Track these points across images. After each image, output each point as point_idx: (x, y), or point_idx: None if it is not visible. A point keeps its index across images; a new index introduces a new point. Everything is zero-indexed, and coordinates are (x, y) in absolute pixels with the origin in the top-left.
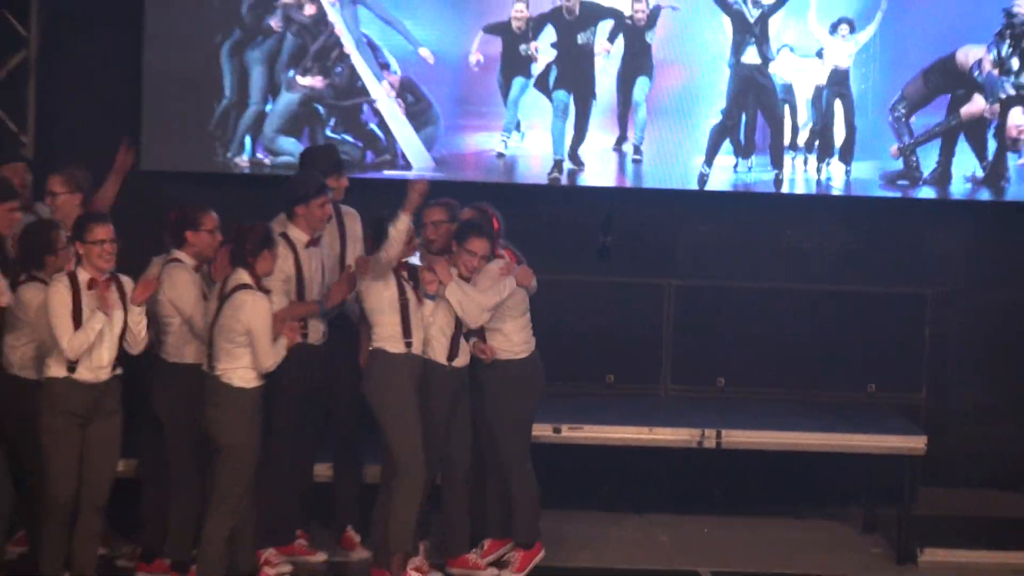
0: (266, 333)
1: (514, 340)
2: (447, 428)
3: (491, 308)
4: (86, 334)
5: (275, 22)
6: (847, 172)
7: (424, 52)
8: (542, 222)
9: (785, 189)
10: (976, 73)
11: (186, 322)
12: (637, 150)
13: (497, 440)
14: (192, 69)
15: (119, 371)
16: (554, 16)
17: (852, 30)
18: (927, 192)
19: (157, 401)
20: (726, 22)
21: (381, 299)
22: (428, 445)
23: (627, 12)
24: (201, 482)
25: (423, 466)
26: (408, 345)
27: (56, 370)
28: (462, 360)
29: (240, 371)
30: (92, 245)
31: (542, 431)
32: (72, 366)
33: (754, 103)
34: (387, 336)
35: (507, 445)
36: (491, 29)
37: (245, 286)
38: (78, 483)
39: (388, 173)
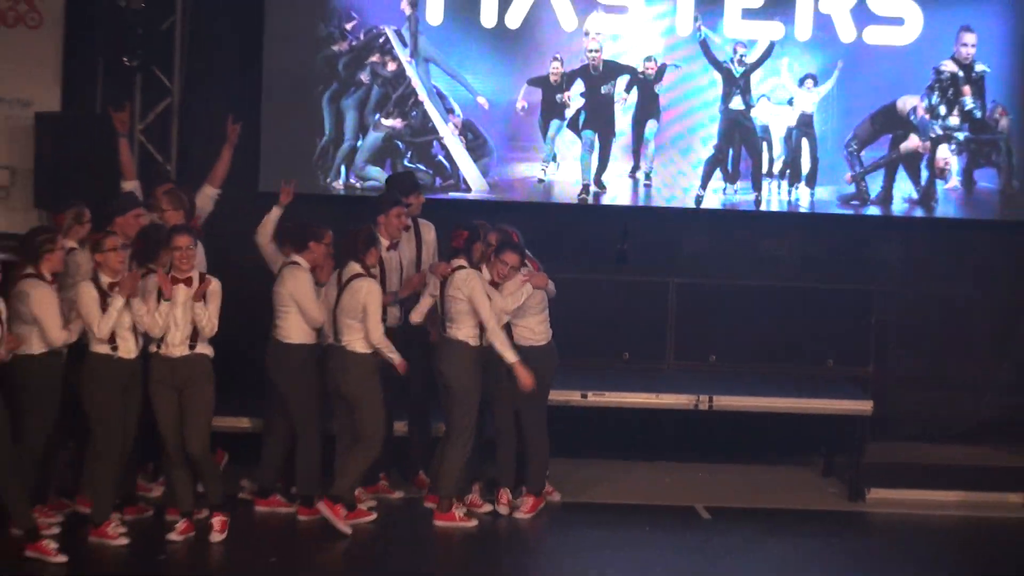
0: (377, 311)
1: (535, 331)
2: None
3: (509, 311)
4: (110, 317)
5: (364, 76)
6: (811, 194)
7: (481, 100)
8: (573, 233)
9: (763, 208)
10: (912, 117)
11: (301, 311)
12: (647, 177)
13: (520, 410)
14: (300, 113)
15: (200, 350)
16: (583, 72)
17: (815, 84)
18: (873, 210)
19: (273, 373)
20: (717, 77)
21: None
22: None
23: (640, 68)
24: (322, 432)
25: (474, 430)
26: (481, 341)
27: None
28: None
29: (359, 341)
30: (174, 251)
31: (572, 396)
32: (157, 343)
33: (739, 140)
34: (471, 335)
35: (528, 414)
36: (533, 82)
37: (359, 275)
38: (179, 436)
39: (452, 195)
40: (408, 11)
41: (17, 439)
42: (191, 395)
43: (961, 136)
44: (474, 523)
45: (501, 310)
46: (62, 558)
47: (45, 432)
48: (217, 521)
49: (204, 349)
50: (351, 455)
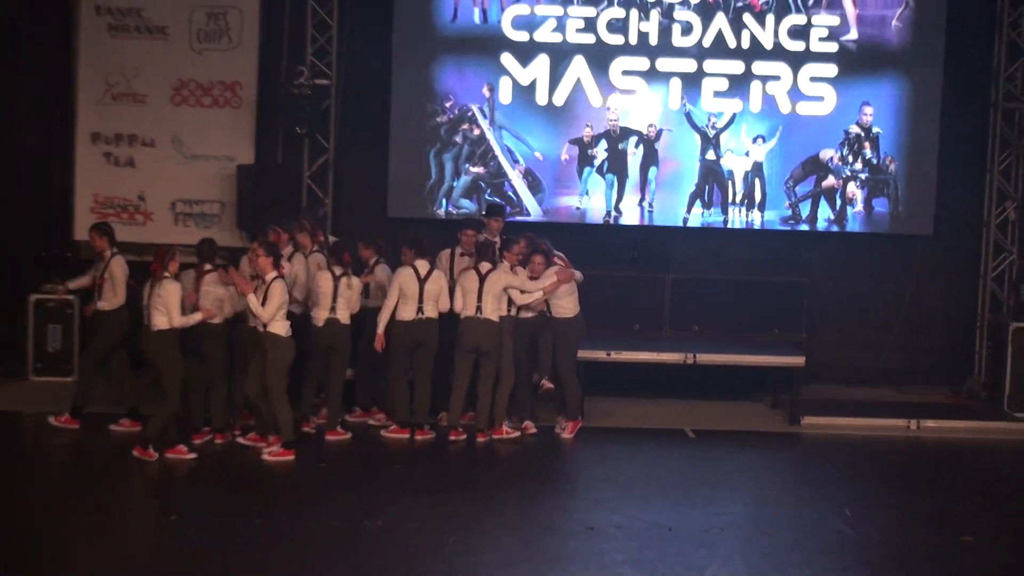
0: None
1: (567, 307)
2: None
3: (541, 297)
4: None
5: (458, 138)
6: (762, 216)
7: (537, 154)
8: (599, 244)
9: (729, 226)
10: (830, 164)
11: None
12: (650, 205)
13: (558, 363)
14: (415, 162)
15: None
16: (606, 133)
17: (764, 141)
18: (804, 227)
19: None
20: (697, 137)
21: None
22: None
23: (644, 132)
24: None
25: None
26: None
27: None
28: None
29: (499, 311)
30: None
31: (599, 355)
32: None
33: (712, 180)
34: (570, 308)
35: (563, 365)
36: (573, 141)
37: (492, 270)
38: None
39: (518, 218)
40: (487, 94)
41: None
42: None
43: (863, 176)
44: (517, 434)
45: (526, 297)
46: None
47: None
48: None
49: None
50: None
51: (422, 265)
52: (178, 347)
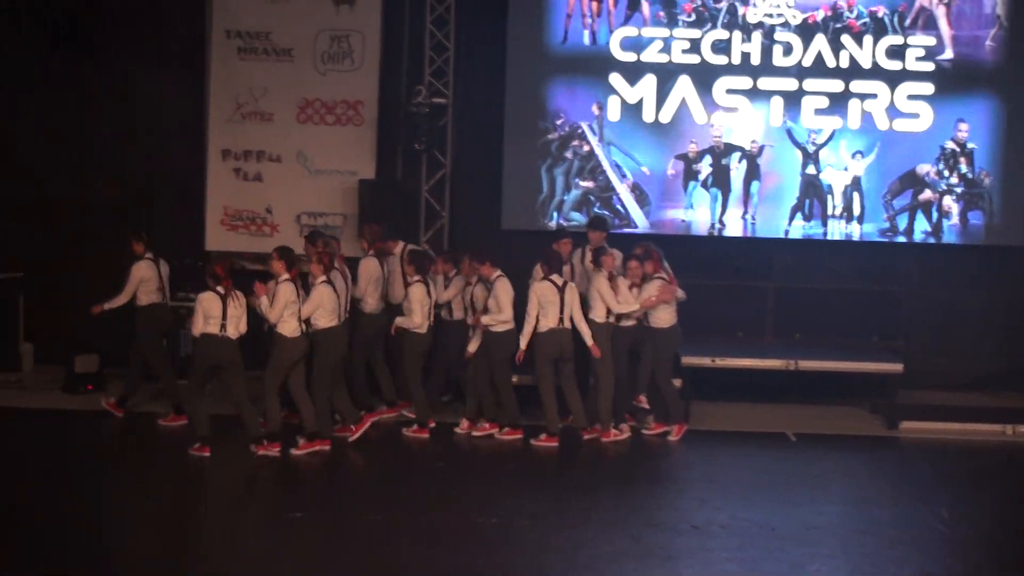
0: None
1: (664, 318)
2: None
3: (639, 310)
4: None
5: (568, 154)
6: (860, 229)
7: (644, 169)
8: (704, 255)
9: (828, 238)
10: (926, 178)
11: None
12: (752, 218)
13: (655, 371)
14: (527, 177)
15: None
16: (710, 149)
17: (862, 156)
18: (901, 239)
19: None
20: (797, 153)
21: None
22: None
23: (747, 147)
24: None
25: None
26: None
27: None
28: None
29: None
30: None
31: (704, 361)
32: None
33: (812, 194)
34: (666, 319)
35: (661, 373)
36: (678, 157)
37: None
38: None
39: (626, 230)
40: (597, 112)
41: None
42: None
43: (959, 190)
44: (627, 435)
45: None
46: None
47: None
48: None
49: None
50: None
51: (557, 278)
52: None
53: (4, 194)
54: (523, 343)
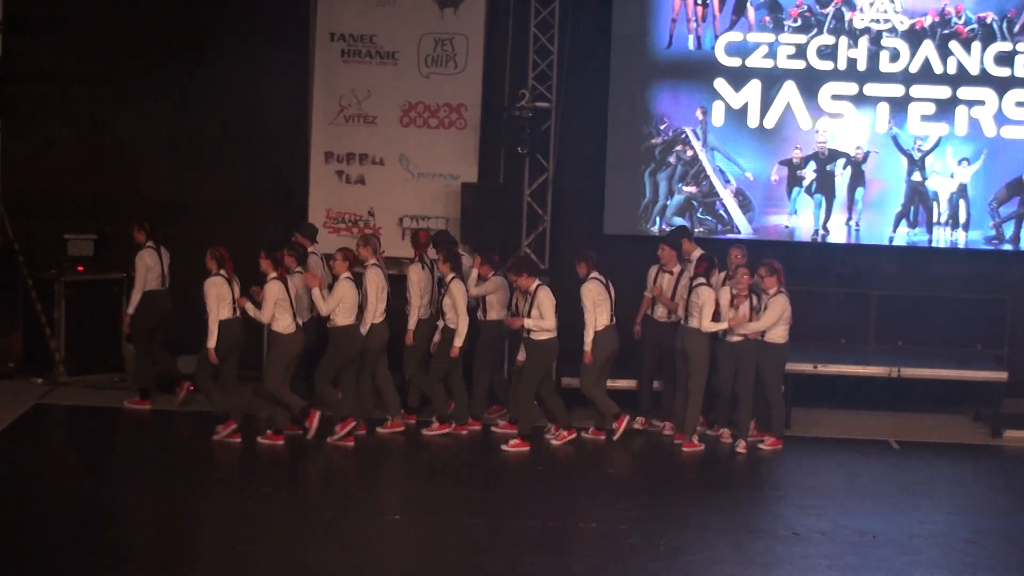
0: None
1: (780, 334)
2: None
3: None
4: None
5: (672, 159)
6: (966, 236)
7: (748, 174)
8: (807, 261)
9: (933, 245)
10: None
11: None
12: (856, 224)
13: (766, 384)
14: (631, 182)
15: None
16: (815, 155)
17: (969, 163)
18: (1007, 247)
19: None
20: (903, 160)
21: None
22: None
23: (852, 153)
24: None
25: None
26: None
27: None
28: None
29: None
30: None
31: (806, 367)
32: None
33: (918, 201)
34: (781, 335)
35: (772, 386)
36: (782, 162)
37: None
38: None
39: (728, 235)
40: (700, 117)
41: None
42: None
43: None
44: (702, 446)
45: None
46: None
47: None
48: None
49: None
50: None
51: (601, 276)
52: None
53: (111, 197)
54: (588, 344)
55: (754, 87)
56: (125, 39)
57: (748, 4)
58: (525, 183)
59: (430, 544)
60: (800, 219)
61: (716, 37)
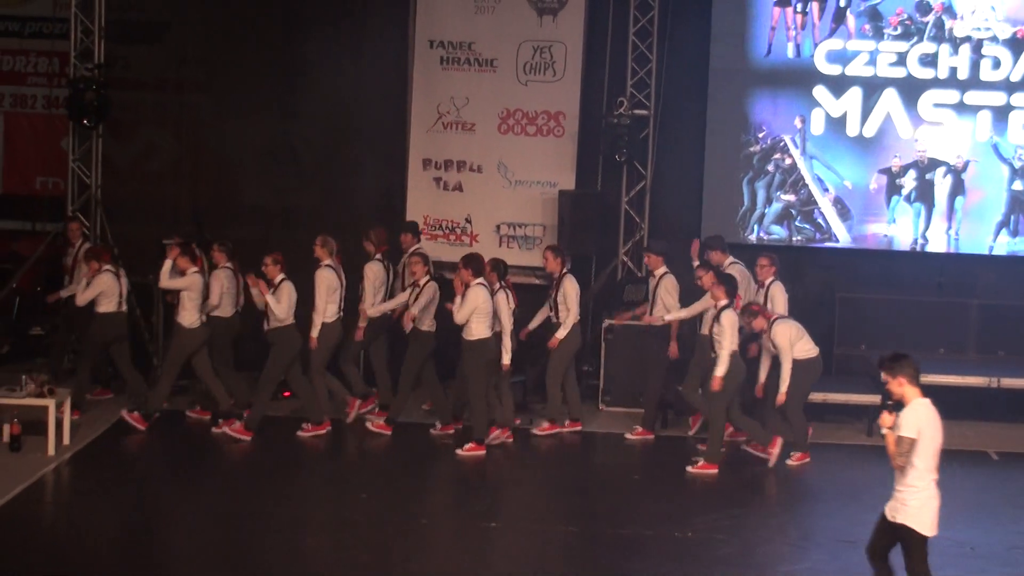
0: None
1: (806, 350)
2: None
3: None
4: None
5: (770, 167)
6: None
7: (847, 183)
8: (906, 271)
9: None
10: None
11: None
12: (956, 233)
13: (788, 399)
14: (729, 189)
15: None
16: (914, 164)
17: None
18: None
19: None
20: (1004, 168)
21: (796, 336)
22: None
23: (952, 162)
24: None
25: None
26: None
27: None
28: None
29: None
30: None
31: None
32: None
33: (1019, 209)
34: (805, 350)
35: (792, 402)
36: (881, 171)
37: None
38: None
39: (827, 244)
40: (799, 125)
41: None
42: None
43: None
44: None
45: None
46: None
47: None
48: None
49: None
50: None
51: None
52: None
53: (214, 202)
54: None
55: (854, 95)
56: (225, 46)
57: (848, 12)
58: (623, 190)
59: (527, 551)
60: (899, 228)
61: (816, 45)
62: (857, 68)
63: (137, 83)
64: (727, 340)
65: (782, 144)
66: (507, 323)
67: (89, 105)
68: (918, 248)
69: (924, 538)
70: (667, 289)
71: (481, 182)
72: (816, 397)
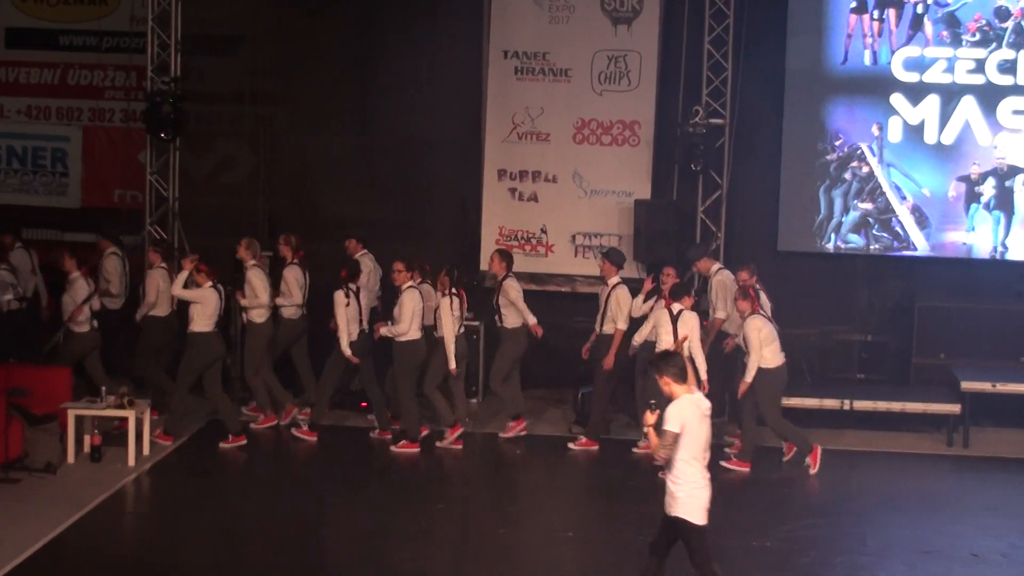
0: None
1: (768, 359)
2: None
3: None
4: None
5: (847, 175)
6: None
7: (925, 191)
8: (986, 278)
9: None
10: None
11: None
12: None
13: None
14: (805, 198)
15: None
16: (993, 171)
17: None
18: None
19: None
20: None
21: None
22: None
23: None
24: None
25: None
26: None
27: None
28: None
29: None
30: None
31: (983, 387)
32: None
33: None
34: (768, 359)
35: (766, 413)
36: (960, 178)
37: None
38: None
39: (905, 252)
40: (876, 132)
41: None
42: None
43: None
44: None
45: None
46: None
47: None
48: None
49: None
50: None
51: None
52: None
53: (290, 213)
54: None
55: (932, 102)
56: (300, 59)
57: (925, 19)
58: (698, 200)
59: (602, 560)
60: (978, 235)
61: (892, 52)
62: (935, 75)
63: (213, 96)
64: (752, 349)
65: (859, 152)
66: (449, 328)
67: (166, 118)
68: (997, 256)
69: (697, 528)
70: (618, 300)
71: (556, 192)
72: (894, 407)
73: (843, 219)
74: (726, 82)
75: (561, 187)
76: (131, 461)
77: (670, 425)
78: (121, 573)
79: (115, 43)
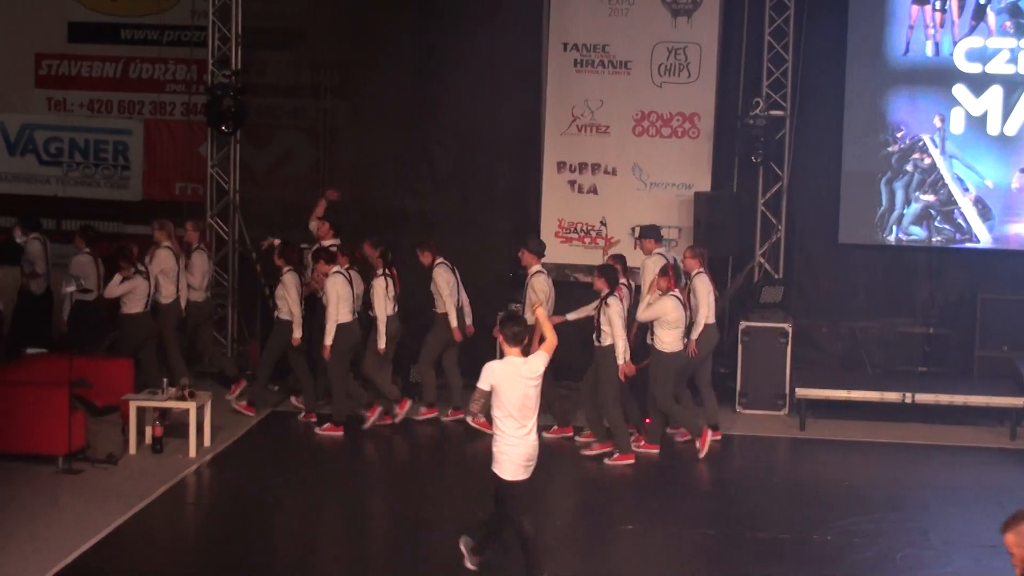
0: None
1: (667, 341)
2: None
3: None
4: None
5: (909, 167)
6: None
7: (987, 182)
8: None
9: None
10: None
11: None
12: None
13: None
14: (866, 190)
15: None
16: None
17: None
18: None
19: None
20: None
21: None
22: None
23: None
24: None
25: None
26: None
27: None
28: None
29: None
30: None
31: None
32: None
33: None
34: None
35: (662, 396)
36: (1022, 169)
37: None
38: None
39: (967, 244)
40: (938, 124)
41: None
42: None
43: None
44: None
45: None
46: None
47: None
48: None
49: None
50: None
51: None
52: None
53: (358, 206)
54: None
55: (995, 93)
56: (360, 52)
57: (988, 9)
58: (759, 192)
59: (667, 554)
60: None
61: (955, 43)
62: (998, 66)
63: (273, 89)
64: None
65: (921, 144)
66: (381, 309)
67: (227, 111)
68: None
69: (505, 483)
70: (534, 288)
71: (616, 184)
72: (956, 400)
73: (905, 211)
74: (786, 74)
75: (621, 179)
76: (192, 452)
77: (480, 383)
78: (181, 564)
79: (176, 37)
